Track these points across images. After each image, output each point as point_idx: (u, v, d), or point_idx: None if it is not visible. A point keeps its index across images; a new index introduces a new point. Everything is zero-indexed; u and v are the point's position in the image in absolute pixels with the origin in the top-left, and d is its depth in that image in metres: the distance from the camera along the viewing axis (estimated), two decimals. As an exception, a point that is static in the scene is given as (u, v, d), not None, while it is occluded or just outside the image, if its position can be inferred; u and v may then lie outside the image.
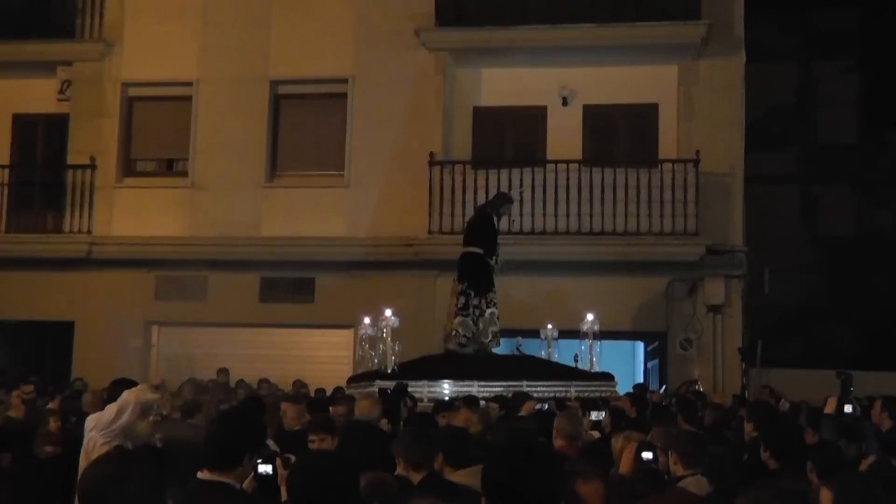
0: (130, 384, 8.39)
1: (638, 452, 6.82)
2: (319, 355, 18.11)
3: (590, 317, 14.58)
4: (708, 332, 17.99)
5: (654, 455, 6.82)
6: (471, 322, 14.40)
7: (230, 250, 18.82)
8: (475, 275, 14.50)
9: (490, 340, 14.57)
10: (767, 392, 16.41)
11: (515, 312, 16.60)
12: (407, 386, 11.68)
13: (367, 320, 14.64)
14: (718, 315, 18.05)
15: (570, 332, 15.42)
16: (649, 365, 19.66)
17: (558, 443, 7.62)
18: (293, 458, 4.88)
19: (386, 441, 7.33)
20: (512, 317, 16.40)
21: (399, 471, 6.00)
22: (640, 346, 20.47)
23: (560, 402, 11.73)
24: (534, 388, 12.69)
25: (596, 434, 9.59)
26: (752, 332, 18.45)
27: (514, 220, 17.66)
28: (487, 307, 14.54)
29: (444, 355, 14.57)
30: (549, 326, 15.35)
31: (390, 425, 9.32)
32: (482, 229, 14.75)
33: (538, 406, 10.84)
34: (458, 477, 5.98)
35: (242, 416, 5.05)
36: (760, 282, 18.83)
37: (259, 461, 4.85)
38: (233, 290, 19.04)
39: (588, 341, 14.62)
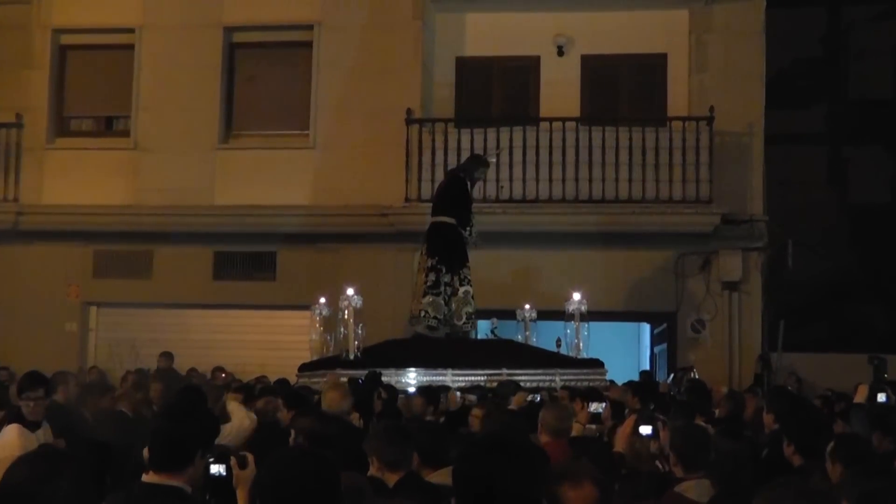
0: (40, 380, 8.28)
1: (636, 427, 6.85)
2: (282, 340, 18.05)
3: (576, 296, 14.56)
4: (723, 312, 18.05)
5: (655, 430, 6.84)
6: (442, 302, 14.35)
7: (179, 221, 18.72)
8: (447, 248, 14.44)
9: (464, 323, 14.52)
10: (794, 379, 16.51)
11: (502, 290, 16.65)
12: (380, 375, 11.68)
13: (322, 300, 14.62)
14: (735, 293, 18.10)
15: (562, 314, 15.39)
16: (656, 350, 19.73)
17: (543, 438, 7.62)
18: (249, 457, 4.86)
19: (358, 437, 7.35)
20: (502, 295, 16.43)
21: (372, 471, 5.99)
22: (646, 328, 20.53)
23: (555, 394, 11.75)
24: (515, 377, 12.71)
25: (594, 428, 9.64)
26: (773, 313, 18.52)
27: (503, 187, 17.71)
28: (461, 285, 14.49)
29: (413, 340, 14.55)
30: (528, 307, 15.37)
31: (362, 420, 9.33)
32: (454, 196, 14.68)
33: (530, 397, 10.87)
34: (438, 478, 5.99)
35: (193, 408, 5.02)
36: (783, 255, 18.88)
37: (211, 460, 4.83)
38: (182, 267, 18.98)
39: (574, 323, 14.60)
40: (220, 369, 16.61)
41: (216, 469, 4.78)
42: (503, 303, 16.18)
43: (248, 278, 19.04)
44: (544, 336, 15.49)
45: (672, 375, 16.90)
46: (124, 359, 17.84)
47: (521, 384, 12.25)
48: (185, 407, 5.24)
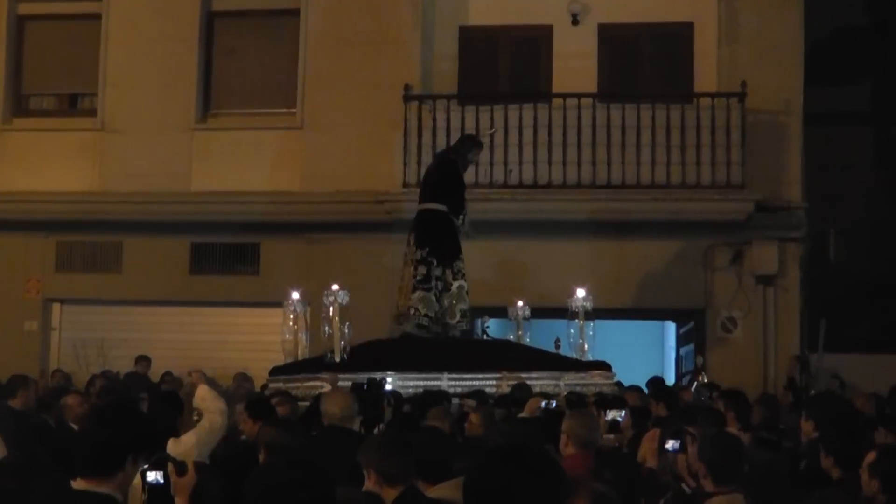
0: None
1: (662, 441, 6.88)
2: (266, 341, 17.98)
3: (581, 292, 14.59)
4: (757, 309, 18.03)
5: (682, 443, 6.86)
6: (433, 298, 14.36)
7: (151, 209, 18.76)
8: (438, 239, 14.41)
9: (458, 321, 14.53)
10: (837, 383, 16.52)
11: (509, 284, 16.71)
12: (384, 381, 11.76)
13: (295, 295, 14.69)
14: (770, 288, 18.10)
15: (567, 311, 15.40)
16: (682, 351, 19.74)
17: (569, 450, 7.62)
18: (189, 463, 4.98)
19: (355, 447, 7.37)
20: (509, 291, 16.45)
21: (369, 485, 5.99)
22: (671, 327, 20.55)
23: (573, 399, 11.78)
24: (518, 381, 12.76)
25: (612, 437, 9.66)
26: (813, 309, 18.52)
27: (511, 171, 17.72)
28: (454, 279, 14.46)
29: (402, 340, 14.56)
30: (520, 304, 15.42)
31: (363, 428, 9.35)
32: (446, 181, 14.66)
33: (544, 403, 10.90)
34: (438, 492, 6.02)
35: (120, 410, 5.17)
36: (824, 246, 18.89)
37: (146, 467, 4.95)
38: (155, 260, 19.01)
39: (578, 322, 14.63)
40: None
41: (153, 476, 4.92)
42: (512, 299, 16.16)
43: (229, 272, 19.07)
44: (547, 335, 15.48)
45: (696, 381, 16.92)
46: (91, 361, 17.88)
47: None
48: (113, 407, 5.36)
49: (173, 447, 7.82)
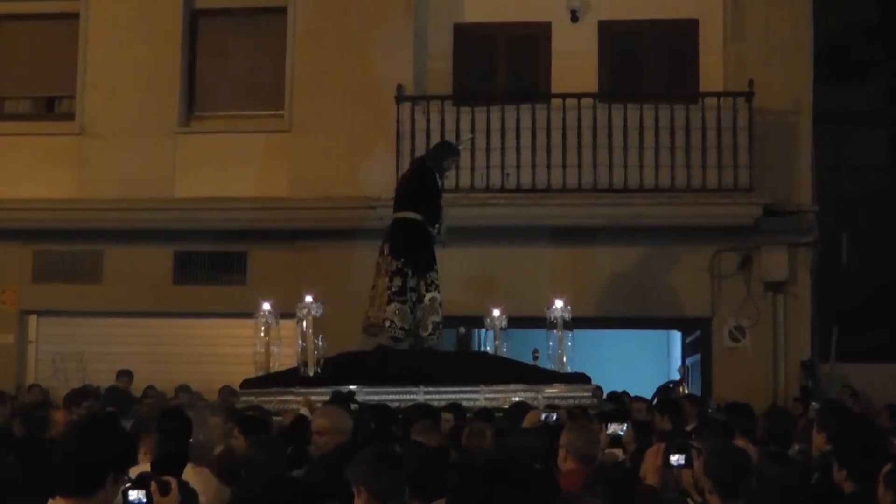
0: None
1: (666, 455, 6.85)
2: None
3: (559, 303, 14.61)
4: (766, 317, 18.03)
5: (688, 458, 6.84)
6: (408, 310, 14.43)
7: (133, 216, 18.75)
8: (413, 249, 14.49)
9: (430, 334, 14.60)
10: (848, 393, 16.54)
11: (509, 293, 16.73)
12: (352, 395, 11.82)
13: (266, 306, 14.75)
14: (780, 295, 18.09)
15: (581, 320, 15.39)
16: (688, 361, 19.73)
17: (568, 465, 7.59)
18: (172, 482, 4.97)
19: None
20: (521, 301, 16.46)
21: None
22: (677, 336, 20.53)
23: (576, 412, 11.79)
24: (496, 396, 12.88)
25: (618, 453, 9.63)
26: (824, 317, 18.51)
27: (509, 174, 17.71)
28: (427, 291, 14.53)
29: (376, 352, 14.58)
30: (496, 313, 15.44)
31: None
32: (422, 189, 14.72)
33: (544, 416, 10.90)
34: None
35: (102, 427, 5.17)
36: (836, 251, 18.88)
37: (128, 486, 4.94)
38: (137, 269, 18.97)
39: (557, 333, 14.64)
40: (184, 388, 16.59)
41: (135, 495, 4.97)
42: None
43: (215, 282, 19.04)
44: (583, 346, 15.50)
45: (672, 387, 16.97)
46: (70, 375, 17.84)
47: (495, 401, 12.42)
48: (94, 424, 5.36)
49: (193, 476, 7.67)
